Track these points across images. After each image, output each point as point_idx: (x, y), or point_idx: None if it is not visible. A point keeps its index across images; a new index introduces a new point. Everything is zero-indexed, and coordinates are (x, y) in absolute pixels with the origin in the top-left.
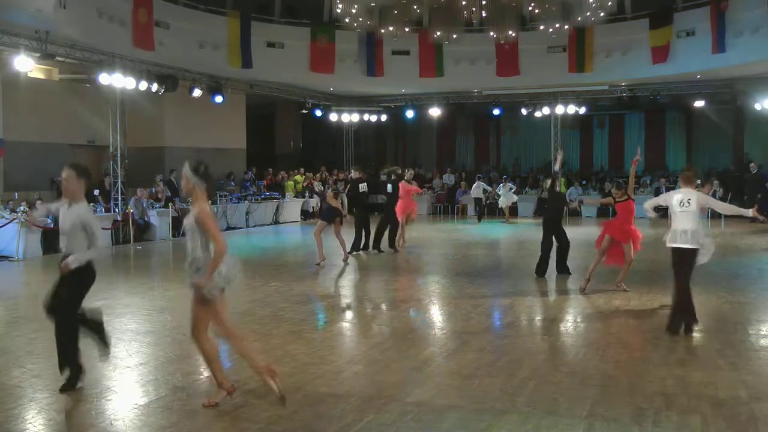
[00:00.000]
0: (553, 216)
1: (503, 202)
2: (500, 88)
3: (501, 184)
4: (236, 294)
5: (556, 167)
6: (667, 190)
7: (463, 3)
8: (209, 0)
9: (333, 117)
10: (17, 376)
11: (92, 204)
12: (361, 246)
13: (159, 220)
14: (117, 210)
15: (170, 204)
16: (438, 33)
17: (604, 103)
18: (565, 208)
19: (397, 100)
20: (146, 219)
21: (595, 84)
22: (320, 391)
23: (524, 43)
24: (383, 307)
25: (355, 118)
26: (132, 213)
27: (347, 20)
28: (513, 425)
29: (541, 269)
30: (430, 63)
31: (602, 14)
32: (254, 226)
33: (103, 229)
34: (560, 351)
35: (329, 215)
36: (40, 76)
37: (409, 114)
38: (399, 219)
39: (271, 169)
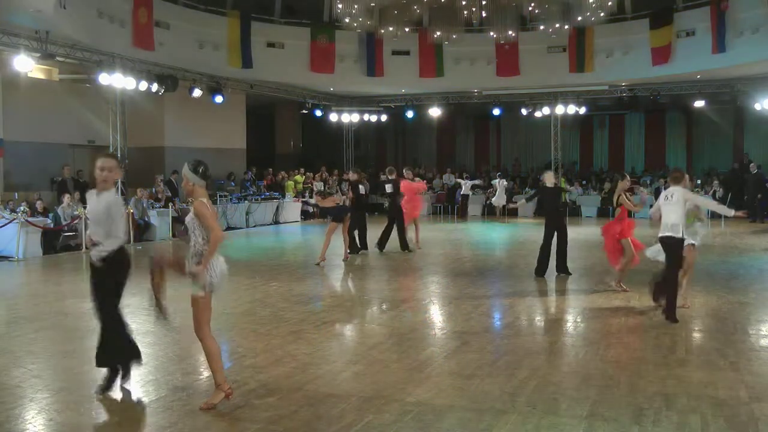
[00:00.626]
0: (551, 211)
1: (497, 201)
2: (500, 88)
3: (496, 180)
4: (236, 294)
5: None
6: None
7: (463, 3)
8: (209, 0)
9: (333, 117)
10: (17, 376)
11: None
12: (358, 248)
13: (159, 220)
14: None
15: (170, 204)
16: (438, 33)
17: (604, 103)
18: (564, 203)
19: (397, 100)
20: (146, 219)
21: (595, 84)
22: (320, 391)
23: (524, 43)
24: (383, 307)
25: (355, 118)
26: (132, 213)
27: (347, 20)
28: (513, 425)
29: (541, 269)
30: (430, 63)
31: (602, 14)
32: (254, 226)
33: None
34: (560, 351)
35: (339, 214)
36: (40, 76)
37: (409, 114)
38: (410, 218)
39: (271, 169)
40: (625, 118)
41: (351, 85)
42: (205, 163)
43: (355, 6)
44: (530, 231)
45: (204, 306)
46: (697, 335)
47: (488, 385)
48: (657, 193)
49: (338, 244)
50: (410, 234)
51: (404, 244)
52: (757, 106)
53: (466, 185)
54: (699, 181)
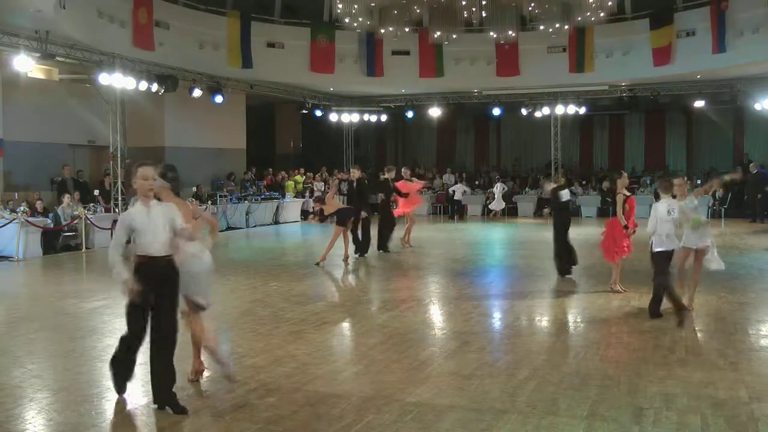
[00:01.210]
0: (557, 214)
1: (495, 206)
2: (500, 88)
3: (495, 186)
4: (236, 294)
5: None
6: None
7: (463, 3)
8: (209, 0)
9: (333, 117)
10: (17, 376)
11: (92, 204)
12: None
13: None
14: (117, 210)
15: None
16: (438, 33)
17: (604, 103)
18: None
19: (397, 100)
20: None
21: (595, 84)
22: (320, 391)
23: (524, 43)
24: (383, 307)
25: (355, 118)
26: None
27: (347, 20)
28: (513, 425)
29: (561, 268)
30: (430, 63)
31: (602, 14)
32: (254, 226)
33: (103, 229)
34: (560, 351)
35: (343, 218)
36: (40, 76)
37: (409, 114)
38: (407, 215)
39: (270, 169)
40: (625, 118)
41: (351, 85)
42: (174, 173)
43: (355, 6)
44: (530, 231)
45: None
46: (697, 335)
47: (488, 385)
48: (657, 193)
49: (339, 244)
50: (401, 234)
51: (384, 245)
52: (757, 106)
53: (458, 190)
54: (699, 181)
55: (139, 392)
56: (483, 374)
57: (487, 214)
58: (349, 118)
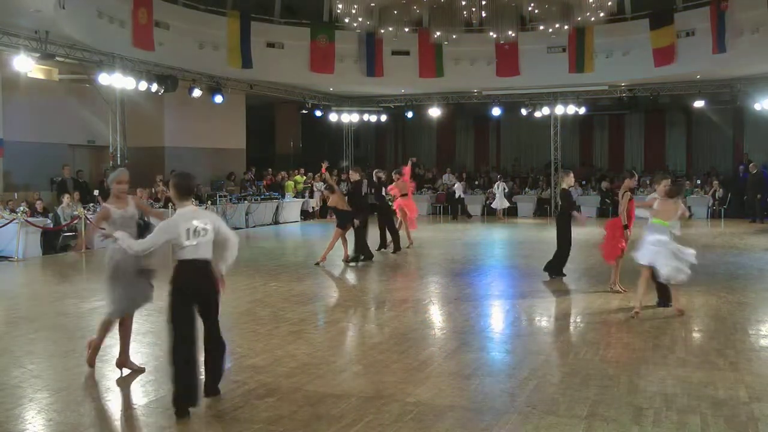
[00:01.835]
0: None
1: (497, 205)
2: (500, 88)
3: (496, 185)
4: (236, 294)
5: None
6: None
7: (463, 3)
8: (209, 0)
9: (333, 117)
10: (17, 376)
11: (92, 204)
12: (377, 247)
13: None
14: None
15: (170, 204)
16: (438, 33)
17: (604, 103)
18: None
19: (396, 100)
20: (146, 219)
21: (595, 84)
22: (320, 391)
23: (524, 43)
24: (383, 307)
25: (355, 118)
26: None
27: (347, 20)
28: (513, 425)
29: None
30: (430, 63)
31: (602, 14)
32: (254, 227)
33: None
34: (560, 351)
35: (343, 221)
36: (40, 76)
37: (409, 114)
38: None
39: (270, 169)
40: (625, 118)
41: (351, 85)
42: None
43: (355, 6)
44: (530, 231)
45: None
46: (697, 335)
47: (488, 385)
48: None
49: (338, 244)
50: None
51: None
52: (757, 106)
53: (458, 188)
54: (699, 181)
55: (139, 392)
56: (483, 374)
57: (488, 213)
58: (349, 118)
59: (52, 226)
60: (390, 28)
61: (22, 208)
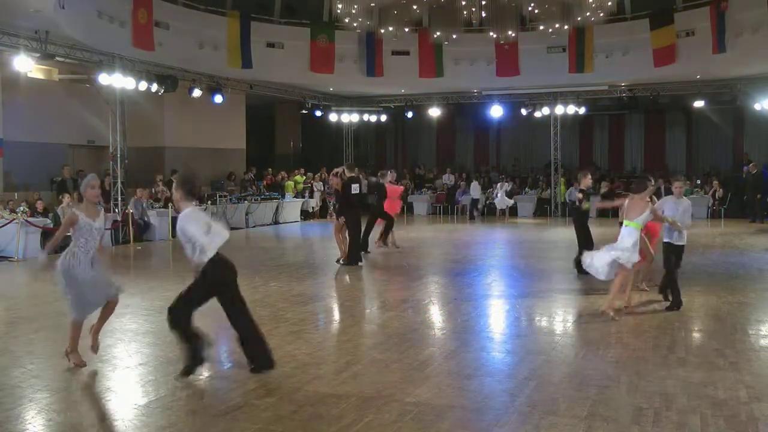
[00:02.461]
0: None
1: (500, 204)
2: (500, 88)
3: (498, 184)
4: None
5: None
6: (666, 190)
7: (463, 3)
8: (209, 0)
9: (333, 117)
10: (17, 376)
11: None
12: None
13: (159, 220)
14: (117, 210)
15: (170, 204)
16: (438, 33)
17: (604, 103)
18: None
19: (396, 100)
20: (146, 219)
21: (595, 84)
22: (320, 391)
23: (524, 43)
24: (383, 307)
25: (355, 118)
26: (132, 213)
27: (347, 20)
28: (513, 425)
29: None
30: (430, 63)
31: (602, 14)
32: (254, 227)
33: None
34: (560, 351)
35: (340, 212)
36: (40, 76)
37: (409, 114)
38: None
39: (270, 170)
40: (625, 118)
41: (351, 85)
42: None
43: (355, 6)
44: (530, 231)
45: None
46: (697, 335)
47: (488, 385)
48: (657, 193)
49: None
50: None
51: (363, 247)
52: (757, 106)
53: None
54: (699, 181)
55: (138, 392)
56: (483, 374)
57: (488, 214)
58: (349, 118)
59: (52, 226)
60: (390, 28)
61: (22, 208)
